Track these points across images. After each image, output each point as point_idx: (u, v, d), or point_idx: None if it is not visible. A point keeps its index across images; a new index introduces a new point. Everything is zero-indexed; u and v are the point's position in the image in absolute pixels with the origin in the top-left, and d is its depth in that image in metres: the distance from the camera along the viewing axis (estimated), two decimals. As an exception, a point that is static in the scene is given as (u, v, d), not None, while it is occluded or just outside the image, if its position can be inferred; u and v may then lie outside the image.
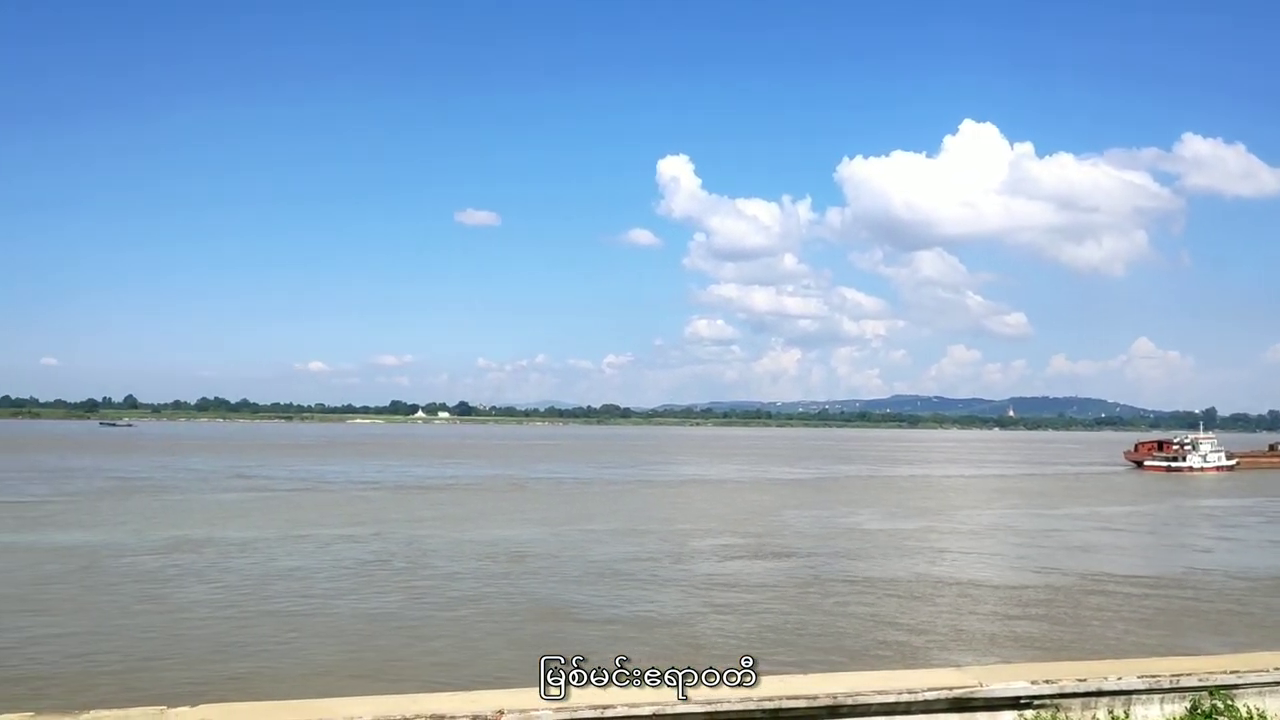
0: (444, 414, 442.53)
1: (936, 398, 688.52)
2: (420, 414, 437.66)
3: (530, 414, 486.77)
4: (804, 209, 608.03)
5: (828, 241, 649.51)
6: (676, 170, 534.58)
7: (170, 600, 24.44)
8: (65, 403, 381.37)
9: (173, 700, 8.65)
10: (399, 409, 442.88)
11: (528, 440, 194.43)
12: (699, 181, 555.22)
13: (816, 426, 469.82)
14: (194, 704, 8.13)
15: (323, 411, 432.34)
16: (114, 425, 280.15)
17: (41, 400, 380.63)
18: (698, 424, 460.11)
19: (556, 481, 71.18)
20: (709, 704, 7.82)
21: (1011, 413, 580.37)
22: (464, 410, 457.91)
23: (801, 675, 9.13)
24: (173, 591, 25.58)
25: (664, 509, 50.11)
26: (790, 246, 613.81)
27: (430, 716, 7.40)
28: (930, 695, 8.27)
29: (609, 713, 7.60)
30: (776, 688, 8.18)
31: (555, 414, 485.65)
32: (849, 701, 8.09)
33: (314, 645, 19.98)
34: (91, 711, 8.05)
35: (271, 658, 18.95)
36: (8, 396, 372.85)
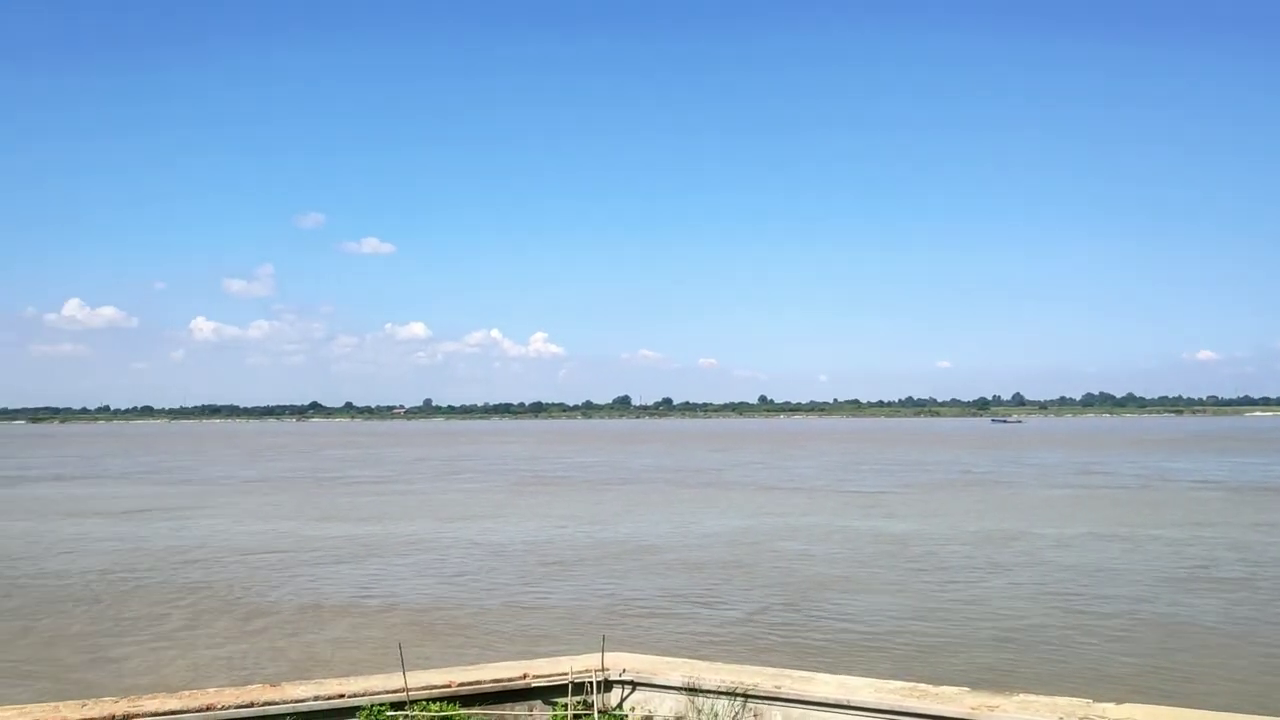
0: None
1: None
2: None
3: None
4: None
5: None
6: None
7: (971, 590, 26.77)
8: (959, 401, 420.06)
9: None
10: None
11: None
12: None
13: None
14: (1119, 701, 8.92)
15: (1215, 404, 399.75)
16: (1004, 421, 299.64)
17: (939, 400, 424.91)
18: None
19: None
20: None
21: None
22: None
23: None
24: (974, 580, 28.21)
25: None
26: None
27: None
28: None
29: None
30: None
31: None
32: None
33: (1104, 648, 20.41)
34: (983, 694, 9.36)
35: (1059, 658, 19.68)
36: (911, 397, 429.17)
